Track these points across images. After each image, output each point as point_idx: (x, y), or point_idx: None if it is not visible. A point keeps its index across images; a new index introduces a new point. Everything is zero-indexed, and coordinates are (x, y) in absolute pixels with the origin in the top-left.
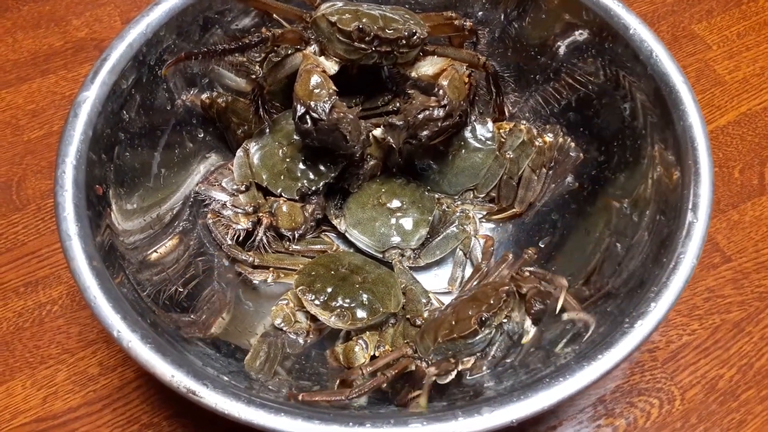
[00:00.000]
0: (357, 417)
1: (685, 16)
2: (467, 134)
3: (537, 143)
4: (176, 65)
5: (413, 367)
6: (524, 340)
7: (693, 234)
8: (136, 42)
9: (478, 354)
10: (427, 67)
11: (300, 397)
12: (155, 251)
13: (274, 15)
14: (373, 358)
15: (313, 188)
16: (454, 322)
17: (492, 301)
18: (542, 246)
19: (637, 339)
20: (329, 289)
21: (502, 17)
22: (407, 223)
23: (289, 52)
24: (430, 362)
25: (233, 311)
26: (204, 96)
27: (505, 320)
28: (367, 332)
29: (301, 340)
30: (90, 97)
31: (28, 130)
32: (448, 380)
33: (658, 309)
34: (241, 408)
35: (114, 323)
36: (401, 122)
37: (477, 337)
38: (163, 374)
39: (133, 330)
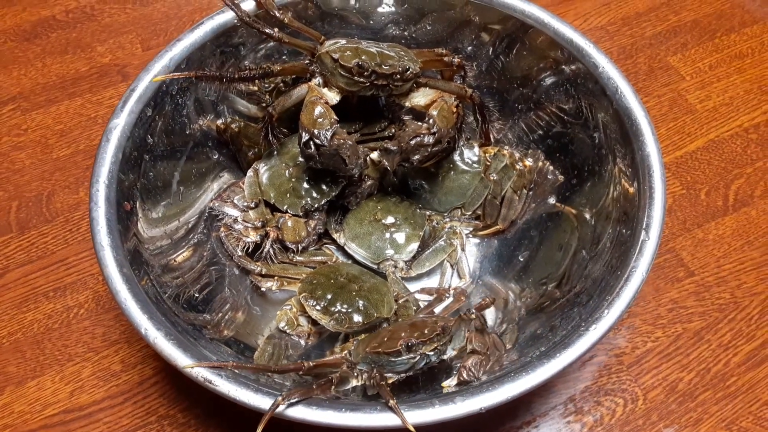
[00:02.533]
0: (350, 405)
1: (661, 48)
2: (456, 158)
3: (518, 167)
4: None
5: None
6: (444, 384)
7: (644, 251)
8: (160, 74)
9: (401, 375)
10: (420, 98)
11: (231, 365)
12: (174, 259)
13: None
14: None
15: (316, 205)
16: (386, 339)
17: (426, 331)
18: (522, 259)
19: (591, 341)
20: (329, 296)
21: (490, 52)
22: (400, 237)
23: (296, 83)
24: (356, 370)
25: (245, 314)
26: (219, 121)
27: (431, 352)
28: (363, 335)
29: (302, 342)
30: (120, 124)
31: (57, 149)
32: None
33: (610, 315)
34: (250, 395)
35: (142, 322)
36: (395, 147)
37: (399, 358)
38: (184, 366)
39: (158, 328)
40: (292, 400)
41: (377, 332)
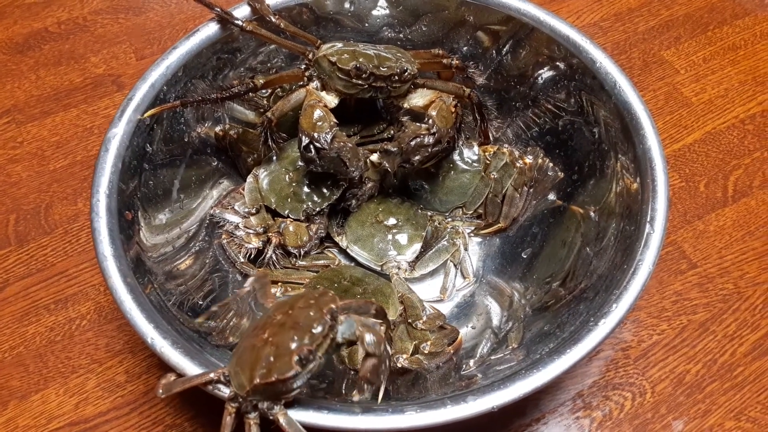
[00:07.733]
0: (363, 407)
1: (655, 43)
2: (455, 157)
3: (518, 164)
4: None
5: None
6: (354, 396)
7: (650, 244)
8: (157, 82)
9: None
10: (418, 99)
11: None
12: (177, 266)
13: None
14: None
15: (317, 209)
16: (272, 359)
17: (315, 329)
18: (525, 257)
19: (601, 335)
20: None
21: (486, 52)
22: (403, 238)
23: (294, 87)
24: (249, 405)
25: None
26: (217, 128)
27: (323, 353)
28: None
29: None
30: (118, 134)
31: (54, 161)
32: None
33: (618, 309)
34: None
35: (148, 332)
36: (395, 148)
37: (299, 375)
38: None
39: (164, 337)
40: None
41: (249, 347)
